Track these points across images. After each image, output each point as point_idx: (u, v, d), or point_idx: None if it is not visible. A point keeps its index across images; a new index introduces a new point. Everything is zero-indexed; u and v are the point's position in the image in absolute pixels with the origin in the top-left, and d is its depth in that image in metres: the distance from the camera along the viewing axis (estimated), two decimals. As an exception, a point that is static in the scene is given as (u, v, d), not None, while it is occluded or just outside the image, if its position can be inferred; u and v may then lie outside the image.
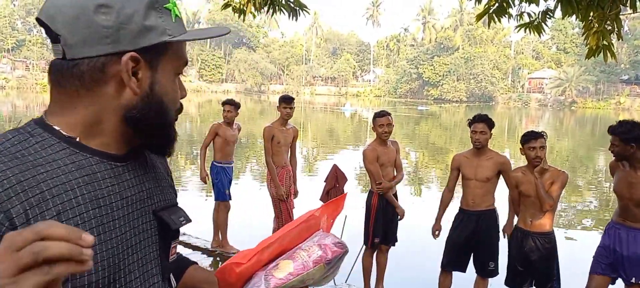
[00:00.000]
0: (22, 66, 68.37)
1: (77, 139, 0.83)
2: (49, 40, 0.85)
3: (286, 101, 5.49)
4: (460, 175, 4.46)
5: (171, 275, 1.01)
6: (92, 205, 0.80)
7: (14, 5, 75.58)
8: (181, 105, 0.96)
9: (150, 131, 0.88)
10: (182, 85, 0.95)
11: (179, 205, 1.03)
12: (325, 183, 4.98)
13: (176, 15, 0.87)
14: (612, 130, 3.76)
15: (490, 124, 4.29)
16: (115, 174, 0.86)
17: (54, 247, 0.54)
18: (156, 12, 0.83)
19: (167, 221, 0.94)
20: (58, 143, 0.81)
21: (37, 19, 0.82)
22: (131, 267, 0.86)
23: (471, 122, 4.36)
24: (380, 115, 4.73)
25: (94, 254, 0.71)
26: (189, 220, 1.00)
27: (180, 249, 1.14)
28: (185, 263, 1.18)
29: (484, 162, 4.31)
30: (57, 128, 0.83)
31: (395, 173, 4.90)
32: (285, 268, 1.06)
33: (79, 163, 0.81)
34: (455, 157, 4.57)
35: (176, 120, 0.95)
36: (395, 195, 4.90)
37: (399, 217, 4.84)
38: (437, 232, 4.63)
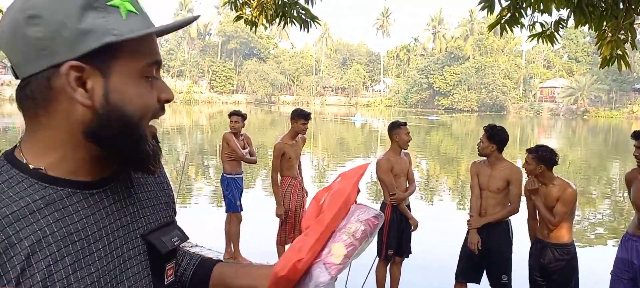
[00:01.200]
0: (36, 78, 69.37)
1: (44, 170, 0.77)
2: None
3: (306, 118, 5.41)
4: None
5: None
6: (65, 242, 0.74)
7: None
8: (162, 107, 0.84)
9: (117, 147, 0.79)
10: (163, 87, 0.83)
11: (176, 222, 0.96)
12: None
13: (129, 11, 0.76)
14: (636, 135, 3.75)
15: (489, 134, 4.28)
16: (89, 204, 0.79)
17: None
18: (96, 12, 0.74)
19: (156, 245, 0.87)
20: (26, 179, 0.75)
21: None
22: None
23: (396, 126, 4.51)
24: (400, 124, 4.74)
25: None
26: (184, 239, 0.94)
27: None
28: (208, 264, 1.10)
29: (497, 172, 4.27)
30: (24, 161, 0.77)
31: (407, 185, 4.89)
32: (340, 253, 1.01)
33: (48, 199, 0.75)
34: (473, 164, 4.54)
35: (153, 130, 0.85)
36: (408, 206, 4.88)
37: (412, 228, 4.81)
38: (478, 244, 4.34)
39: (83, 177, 0.79)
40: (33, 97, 0.75)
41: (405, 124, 4.77)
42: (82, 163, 0.79)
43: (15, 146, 0.80)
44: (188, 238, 0.95)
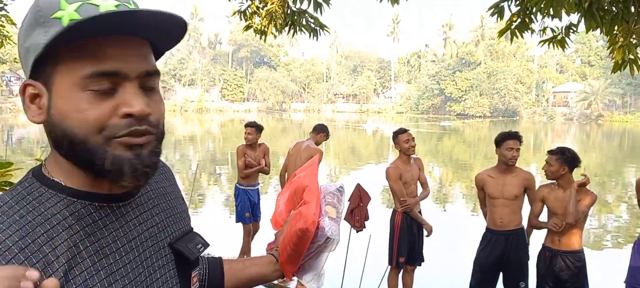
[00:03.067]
0: (50, 89, 70.23)
1: (73, 186, 0.77)
2: None
3: (327, 135, 5.98)
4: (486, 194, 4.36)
5: None
6: (98, 256, 0.75)
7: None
8: (128, 122, 0.74)
9: (76, 162, 0.77)
10: (127, 99, 0.74)
11: (194, 229, 0.99)
12: (349, 202, 4.95)
13: (72, 19, 0.70)
14: None
15: (521, 140, 4.18)
16: (117, 217, 0.80)
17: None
18: (41, 28, 0.71)
19: (185, 252, 0.90)
20: (55, 195, 0.76)
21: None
22: None
23: (503, 139, 4.18)
24: (402, 131, 4.73)
25: None
26: (206, 246, 0.96)
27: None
28: (219, 263, 1.16)
29: (511, 179, 4.20)
30: (52, 177, 0.77)
31: (419, 190, 4.87)
32: (332, 211, 1.25)
33: (78, 214, 0.75)
34: (478, 177, 4.41)
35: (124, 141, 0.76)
36: (420, 212, 4.85)
37: (426, 233, 4.77)
38: None
39: (107, 191, 0.79)
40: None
41: (405, 131, 4.74)
42: (90, 178, 0.78)
43: (42, 164, 0.81)
44: (209, 245, 0.97)
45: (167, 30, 0.78)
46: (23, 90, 0.75)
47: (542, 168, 4.01)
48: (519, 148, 4.15)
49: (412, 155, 4.83)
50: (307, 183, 1.30)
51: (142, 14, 0.71)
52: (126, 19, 0.71)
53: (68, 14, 0.70)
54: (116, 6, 0.73)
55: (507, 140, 4.14)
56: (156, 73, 0.79)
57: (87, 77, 0.72)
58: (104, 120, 0.73)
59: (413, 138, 4.73)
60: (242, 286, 1.17)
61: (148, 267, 0.83)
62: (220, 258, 1.18)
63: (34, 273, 0.58)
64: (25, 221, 0.71)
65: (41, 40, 0.70)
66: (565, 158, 3.86)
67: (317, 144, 5.80)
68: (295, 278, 1.25)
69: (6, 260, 0.66)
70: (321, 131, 5.91)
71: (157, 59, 0.83)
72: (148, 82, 0.77)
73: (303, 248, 1.17)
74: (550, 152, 3.96)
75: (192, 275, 0.94)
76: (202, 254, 1.00)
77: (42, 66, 0.73)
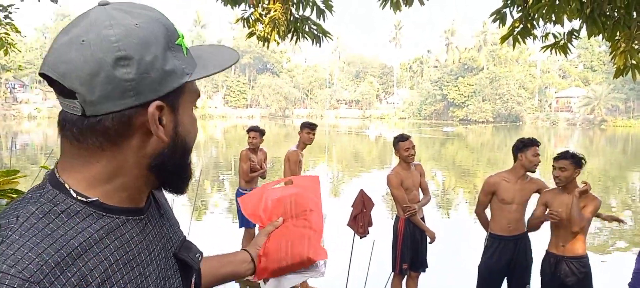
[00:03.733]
0: (53, 96, 70.36)
1: (100, 200, 0.77)
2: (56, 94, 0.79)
3: (311, 127, 5.55)
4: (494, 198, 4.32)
5: None
6: (126, 269, 0.77)
7: (45, 37, 78.11)
8: None
9: (174, 174, 0.84)
10: (194, 116, 0.88)
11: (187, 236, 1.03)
12: (352, 208, 4.95)
13: (186, 49, 0.80)
14: None
15: (574, 161, 3.93)
16: (140, 229, 0.83)
17: None
18: (172, 53, 0.76)
19: (189, 262, 0.93)
20: (83, 209, 0.76)
21: (41, 74, 0.75)
22: None
23: (527, 145, 4.13)
24: (403, 138, 4.71)
25: None
26: (202, 254, 0.99)
27: None
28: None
29: (527, 185, 4.19)
30: (76, 190, 0.76)
31: (421, 196, 4.86)
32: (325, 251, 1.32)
33: (107, 228, 0.77)
34: (491, 180, 4.31)
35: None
36: (423, 218, 4.85)
37: (429, 240, 4.76)
38: None
39: (134, 204, 0.82)
40: (105, 132, 0.75)
41: (405, 139, 4.69)
42: (136, 192, 0.82)
43: (56, 175, 0.79)
44: (203, 253, 1.00)
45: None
46: (153, 111, 0.75)
47: (554, 174, 3.91)
48: (539, 154, 4.15)
49: (414, 161, 4.83)
50: (312, 207, 1.35)
51: (228, 66, 0.84)
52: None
53: (182, 41, 0.79)
54: (182, 34, 0.81)
55: (533, 146, 4.11)
56: None
57: (197, 96, 0.85)
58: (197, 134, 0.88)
59: (413, 146, 4.68)
60: (216, 283, 1.22)
61: (163, 277, 0.86)
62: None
63: None
64: (57, 235, 0.71)
65: (184, 65, 0.78)
66: (577, 161, 3.85)
67: (304, 141, 5.60)
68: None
69: (44, 274, 0.66)
70: (301, 129, 5.64)
71: None
72: None
73: (296, 269, 1.26)
74: (561, 158, 3.88)
75: (192, 281, 0.97)
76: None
77: (174, 90, 0.77)
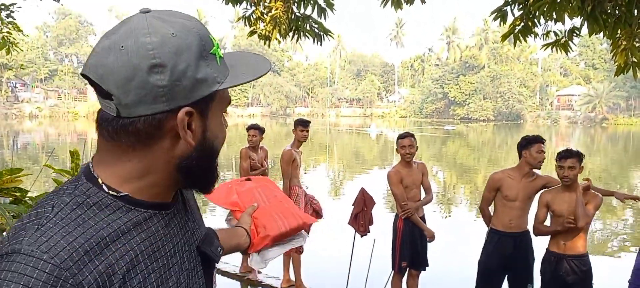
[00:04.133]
0: (55, 95, 70.38)
1: (129, 194, 0.83)
2: (94, 92, 0.83)
3: (304, 124, 5.57)
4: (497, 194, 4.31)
5: None
6: (151, 260, 0.83)
7: (46, 36, 78.10)
8: None
9: (200, 176, 0.89)
10: (226, 121, 0.95)
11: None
12: (353, 206, 4.96)
13: (220, 57, 0.85)
14: None
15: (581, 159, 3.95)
16: (165, 223, 0.88)
17: None
18: (205, 61, 0.81)
19: (211, 255, 0.99)
20: (114, 202, 0.81)
21: (83, 75, 0.81)
22: None
23: (532, 142, 4.15)
24: (402, 136, 4.72)
25: None
26: (222, 248, 1.06)
27: None
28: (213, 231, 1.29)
29: (532, 182, 4.19)
30: (107, 184, 0.82)
31: (422, 195, 4.85)
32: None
33: (135, 221, 0.82)
34: (495, 177, 4.31)
35: None
36: (423, 217, 4.85)
37: (428, 239, 4.76)
38: None
39: (161, 199, 0.88)
40: (137, 133, 0.80)
41: (406, 136, 4.69)
42: (164, 188, 0.87)
43: (90, 169, 0.85)
44: (223, 248, 1.09)
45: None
46: (183, 116, 0.80)
47: (563, 174, 3.86)
48: (544, 151, 4.15)
49: (416, 160, 4.83)
50: (276, 193, 1.60)
51: (259, 75, 0.88)
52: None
53: (217, 50, 0.84)
54: (218, 45, 0.85)
55: (536, 142, 4.12)
56: None
57: (228, 104, 0.91)
58: (225, 137, 0.93)
59: (412, 144, 4.65)
60: (226, 252, 1.30)
61: (186, 269, 0.92)
62: (213, 230, 1.25)
63: None
64: (88, 225, 0.77)
65: (215, 75, 0.82)
66: (581, 158, 3.86)
67: (299, 139, 5.59)
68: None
69: (73, 261, 0.72)
70: (295, 127, 5.65)
71: None
72: None
73: (291, 235, 1.47)
74: (569, 157, 3.85)
75: (213, 274, 1.07)
76: None
77: (204, 97, 0.82)
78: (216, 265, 1.06)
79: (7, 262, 0.70)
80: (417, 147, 4.74)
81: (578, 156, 3.84)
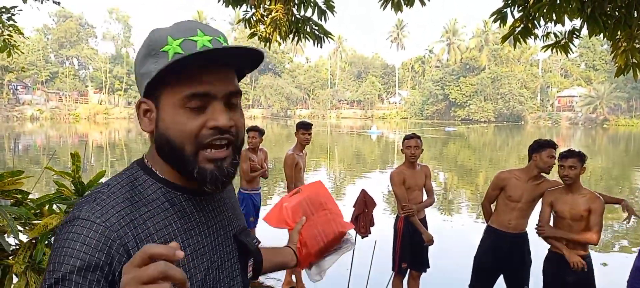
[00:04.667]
0: (56, 97, 70.46)
1: (167, 178, 0.99)
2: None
3: (306, 127, 5.54)
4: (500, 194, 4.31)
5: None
6: (186, 236, 0.96)
7: (47, 38, 78.12)
8: (213, 132, 0.95)
9: (175, 166, 0.98)
10: (214, 116, 0.94)
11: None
12: (354, 208, 4.96)
13: (176, 53, 0.92)
14: None
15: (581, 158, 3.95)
16: (200, 207, 1.02)
17: (174, 271, 0.69)
18: (152, 59, 0.94)
19: (246, 243, 1.11)
20: (155, 183, 0.98)
21: None
22: (220, 284, 1.03)
23: (543, 146, 4.11)
24: (408, 137, 4.72)
25: (190, 277, 0.94)
26: (259, 242, 1.20)
27: None
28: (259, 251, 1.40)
29: (539, 186, 4.17)
30: (153, 169, 1.00)
31: (425, 198, 4.84)
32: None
33: (172, 200, 0.97)
34: (501, 176, 4.28)
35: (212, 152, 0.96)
36: (424, 219, 4.84)
37: (425, 243, 4.73)
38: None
39: (192, 187, 1.00)
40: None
41: (414, 137, 4.69)
42: (181, 177, 1.00)
43: (143, 158, 1.03)
44: (260, 242, 1.21)
45: (249, 59, 0.99)
46: (138, 106, 0.98)
47: (564, 174, 3.87)
48: (555, 157, 4.11)
49: (420, 162, 4.83)
50: (326, 200, 1.61)
51: (229, 50, 0.93)
52: (217, 54, 0.91)
53: (172, 48, 0.93)
54: (209, 41, 0.94)
55: (548, 147, 4.09)
56: (238, 93, 1.00)
57: (185, 97, 0.93)
58: (196, 131, 0.94)
59: (418, 146, 4.65)
60: (271, 269, 1.44)
61: (220, 251, 1.04)
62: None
63: (180, 253, 0.71)
64: (133, 201, 0.93)
65: (152, 69, 0.93)
66: (583, 158, 3.85)
67: (301, 142, 5.56)
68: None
69: (121, 226, 0.88)
70: (297, 130, 5.60)
71: (240, 79, 1.06)
72: (231, 100, 0.98)
73: (333, 246, 1.50)
74: (570, 156, 3.85)
75: (249, 265, 1.15)
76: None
77: (153, 88, 0.95)
78: (252, 256, 1.17)
79: (70, 226, 0.87)
80: (423, 149, 4.75)
81: (579, 156, 3.84)
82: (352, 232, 1.55)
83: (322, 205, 1.61)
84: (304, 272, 5.59)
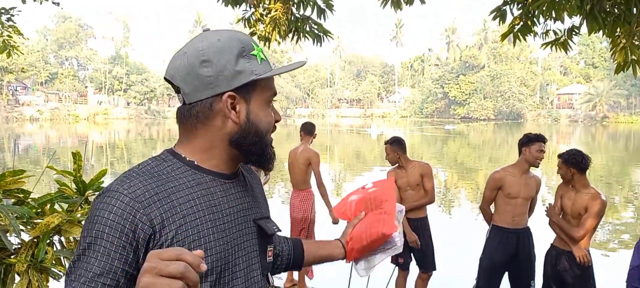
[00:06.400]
0: (55, 98, 70.43)
1: (196, 162, 1.10)
2: (173, 92, 1.10)
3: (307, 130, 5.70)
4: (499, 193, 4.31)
5: (269, 274, 1.26)
6: (208, 212, 1.06)
7: (47, 39, 78.03)
8: (275, 126, 1.18)
9: (251, 151, 1.13)
10: (276, 111, 1.19)
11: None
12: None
13: (261, 59, 1.10)
14: None
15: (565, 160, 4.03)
16: (224, 189, 1.12)
17: (192, 275, 0.78)
18: (244, 59, 1.07)
19: (264, 227, 1.19)
20: (182, 166, 1.09)
21: (165, 78, 1.11)
22: (237, 260, 1.12)
23: (532, 140, 4.16)
24: (387, 141, 4.81)
25: (209, 247, 1.04)
26: (279, 230, 1.26)
27: None
28: (300, 244, 1.52)
29: (529, 180, 4.22)
30: (182, 155, 1.11)
31: (421, 198, 4.81)
32: (400, 229, 1.59)
33: (198, 180, 1.08)
34: (497, 175, 4.29)
35: (271, 140, 1.18)
36: (425, 218, 4.82)
37: (409, 243, 4.68)
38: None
39: (221, 170, 1.13)
40: (196, 115, 1.09)
41: (387, 143, 4.78)
42: (223, 161, 1.13)
43: (172, 148, 1.14)
44: (281, 230, 1.28)
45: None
46: (227, 99, 1.07)
47: (557, 172, 4.05)
48: (544, 151, 4.17)
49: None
50: (387, 199, 1.64)
51: (294, 67, 1.12)
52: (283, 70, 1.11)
53: (258, 53, 1.10)
54: (261, 50, 1.12)
55: (537, 141, 4.14)
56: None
57: (270, 96, 1.15)
58: (273, 122, 1.17)
59: (393, 150, 4.73)
60: (317, 261, 1.56)
61: (239, 231, 1.13)
62: (299, 240, 1.54)
63: (204, 267, 0.81)
64: (161, 178, 1.04)
65: (252, 68, 1.08)
66: (566, 160, 3.89)
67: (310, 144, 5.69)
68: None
69: (145, 198, 0.99)
70: (311, 132, 5.70)
71: None
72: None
73: (376, 246, 1.54)
74: (558, 156, 4.01)
75: (268, 249, 1.23)
76: (281, 236, 1.48)
77: (245, 85, 1.08)
78: (272, 243, 1.29)
79: (102, 196, 1.00)
80: (399, 153, 4.75)
81: (563, 157, 3.94)
82: (396, 234, 1.58)
83: (381, 204, 1.64)
84: (305, 272, 5.63)
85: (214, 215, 1.07)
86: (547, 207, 4.07)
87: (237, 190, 1.16)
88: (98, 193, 1.04)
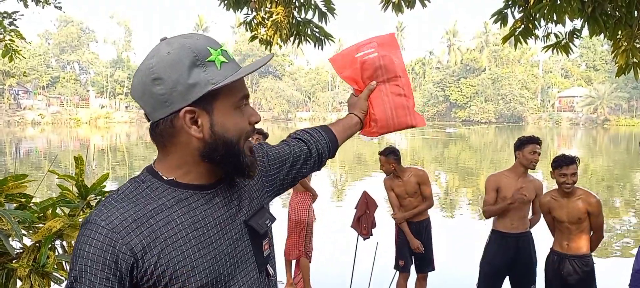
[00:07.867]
0: (57, 102, 70.47)
1: (175, 179, 1.05)
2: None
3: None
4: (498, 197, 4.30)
5: (268, 266, 1.23)
6: (191, 229, 1.03)
7: (48, 43, 78.20)
8: (253, 127, 1.11)
9: (223, 162, 1.06)
10: (252, 112, 1.11)
11: (265, 206, 1.25)
12: (356, 209, 4.97)
13: (222, 62, 1.02)
14: None
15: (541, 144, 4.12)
16: (206, 201, 1.07)
17: None
18: (199, 68, 0.99)
19: (256, 227, 1.15)
20: (161, 185, 1.05)
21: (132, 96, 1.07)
22: (229, 270, 1.09)
23: (526, 143, 4.15)
24: (381, 152, 4.84)
25: (196, 265, 1.01)
26: (273, 220, 1.23)
27: None
28: (331, 131, 1.54)
29: (529, 183, 4.20)
30: (160, 173, 1.06)
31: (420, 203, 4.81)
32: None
33: (177, 198, 1.04)
34: (492, 179, 4.31)
35: (251, 145, 1.12)
36: (426, 221, 4.82)
37: (413, 249, 4.73)
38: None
39: (202, 182, 1.08)
40: (161, 134, 1.04)
41: (381, 154, 4.81)
42: (201, 175, 1.08)
43: (152, 165, 1.10)
44: (275, 219, 1.24)
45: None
46: (184, 116, 1.00)
47: (565, 180, 3.84)
48: (540, 153, 4.14)
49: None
50: (400, 74, 1.57)
51: (260, 64, 1.04)
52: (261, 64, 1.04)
53: (217, 58, 1.01)
54: (221, 52, 1.03)
55: (531, 144, 4.13)
56: None
57: (239, 99, 1.06)
58: (246, 127, 1.08)
59: (388, 162, 4.75)
60: (342, 142, 1.57)
61: (228, 239, 1.09)
62: (331, 130, 1.54)
63: None
64: (139, 202, 1.01)
65: (207, 78, 0.99)
66: (579, 161, 3.86)
67: None
68: None
69: (123, 227, 0.97)
70: None
71: None
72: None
73: (400, 129, 1.54)
74: (571, 163, 3.84)
75: (263, 244, 1.20)
76: (317, 135, 1.49)
77: (203, 97, 1.00)
78: (268, 235, 1.22)
79: (83, 229, 0.98)
80: (394, 164, 4.76)
81: (575, 161, 3.84)
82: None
83: (396, 77, 1.55)
84: (304, 272, 5.62)
85: (197, 232, 1.03)
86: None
87: (223, 196, 1.11)
88: (81, 223, 1.02)
